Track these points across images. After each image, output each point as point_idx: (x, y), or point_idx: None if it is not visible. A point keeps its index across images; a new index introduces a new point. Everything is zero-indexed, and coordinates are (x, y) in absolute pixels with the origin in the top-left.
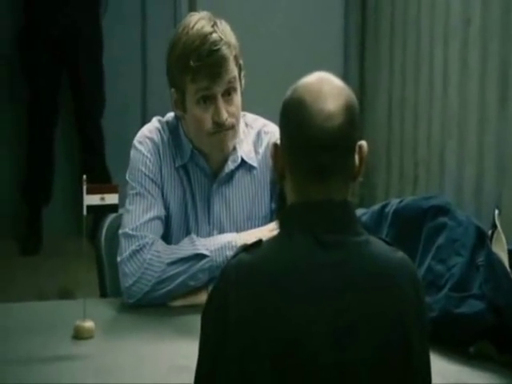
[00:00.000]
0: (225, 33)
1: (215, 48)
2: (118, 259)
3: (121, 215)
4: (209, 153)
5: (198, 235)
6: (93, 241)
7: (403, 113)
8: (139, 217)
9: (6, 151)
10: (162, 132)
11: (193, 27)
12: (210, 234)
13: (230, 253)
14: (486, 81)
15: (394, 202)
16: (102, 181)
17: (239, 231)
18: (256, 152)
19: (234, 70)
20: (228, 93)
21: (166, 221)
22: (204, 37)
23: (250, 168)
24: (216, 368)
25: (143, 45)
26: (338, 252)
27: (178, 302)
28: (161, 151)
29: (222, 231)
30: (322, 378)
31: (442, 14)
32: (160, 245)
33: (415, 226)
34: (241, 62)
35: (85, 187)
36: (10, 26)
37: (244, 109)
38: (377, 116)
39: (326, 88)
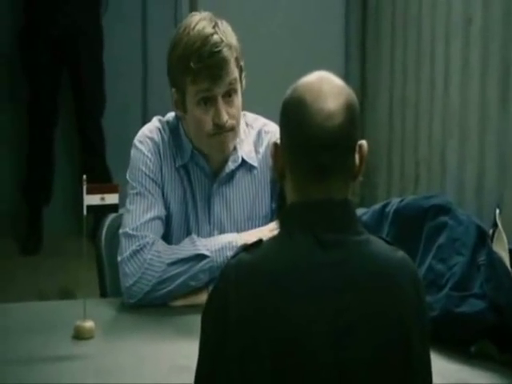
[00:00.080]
0: (226, 34)
1: (216, 50)
2: (119, 259)
3: (121, 215)
4: (209, 154)
5: (198, 235)
6: (93, 240)
7: (404, 112)
8: (140, 216)
9: (6, 151)
10: (162, 132)
11: (194, 28)
12: (210, 234)
13: (230, 253)
14: (487, 80)
15: (395, 202)
16: (103, 180)
17: (240, 231)
18: (256, 152)
19: (234, 72)
20: (228, 94)
21: (167, 221)
22: (205, 38)
23: (251, 168)
24: (216, 368)
25: (144, 44)
26: (339, 251)
27: (179, 302)
28: (161, 151)
29: (222, 231)
30: (322, 377)
31: (443, 13)
32: (160, 245)
33: (416, 225)
34: (241, 63)
35: (85, 187)
36: (10, 26)
37: (244, 108)
38: (378, 115)
39: (326, 87)
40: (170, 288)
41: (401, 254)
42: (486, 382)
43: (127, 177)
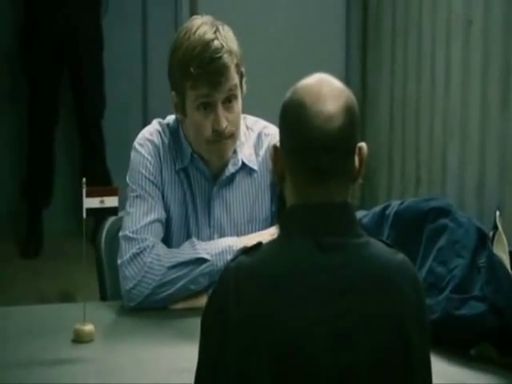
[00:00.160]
0: (227, 39)
1: (216, 56)
2: (119, 262)
3: (121, 218)
4: (208, 159)
5: (198, 238)
6: (93, 243)
7: (405, 114)
8: (140, 219)
9: (6, 152)
10: (162, 134)
11: (195, 32)
12: (210, 238)
13: (230, 257)
14: (488, 82)
15: (395, 204)
16: (103, 182)
17: (240, 234)
18: (256, 154)
19: (234, 78)
20: (228, 100)
21: (167, 223)
22: (206, 44)
23: (251, 171)
24: (216, 370)
25: (144, 46)
26: (338, 254)
27: (179, 305)
28: (161, 154)
29: (222, 234)
30: (322, 379)
31: (443, 15)
32: (161, 248)
33: (416, 227)
34: (242, 69)
35: (84, 190)
36: (10, 26)
37: (244, 111)
38: (378, 117)
39: (326, 89)
40: (170, 291)
41: (401, 256)
42: None
43: (127, 179)
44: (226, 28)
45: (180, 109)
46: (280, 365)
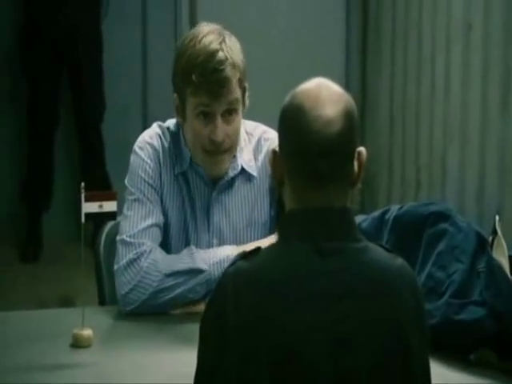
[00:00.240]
0: (232, 52)
1: (220, 68)
2: (115, 267)
3: (119, 222)
4: (202, 166)
5: (197, 243)
6: (93, 248)
7: (405, 117)
8: (137, 223)
9: (6, 152)
10: (162, 138)
11: (200, 40)
12: (209, 242)
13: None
14: (488, 85)
15: (394, 209)
16: (102, 185)
17: (239, 239)
18: (256, 159)
19: (236, 92)
20: (228, 113)
21: (165, 228)
22: (210, 54)
23: (250, 176)
24: (215, 376)
25: (144, 48)
26: (337, 259)
27: (177, 310)
28: (161, 157)
29: (221, 239)
30: None
31: (443, 18)
32: (158, 253)
33: (415, 232)
34: (245, 84)
35: (83, 195)
36: (10, 26)
37: (244, 115)
38: (378, 120)
39: (325, 94)
40: (166, 298)
41: (400, 261)
42: None
43: (126, 182)
44: (233, 39)
45: (180, 112)
46: (279, 370)
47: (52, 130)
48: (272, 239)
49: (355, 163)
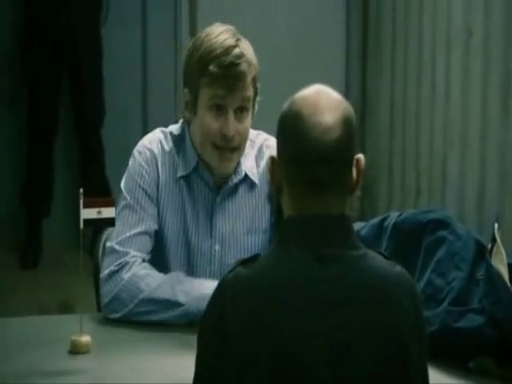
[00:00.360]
0: (247, 51)
1: (237, 61)
2: (100, 275)
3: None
4: (210, 163)
5: (198, 248)
6: (92, 254)
7: (405, 121)
8: (126, 230)
9: (6, 152)
10: (163, 142)
11: (217, 36)
12: (211, 248)
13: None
14: (488, 90)
15: (394, 216)
16: (102, 190)
17: (240, 246)
18: (258, 166)
19: (250, 90)
20: (240, 110)
21: (162, 233)
22: (227, 48)
23: (252, 183)
24: (214, 380)
25: (144, 50)
26: (336, 266)
27: None
28: (159, 162)
29: (223, 245)
30: None
31: (443, 22)
32: (141, 268)
33: (415, 239)
34: (258, 85)
35: (81, 201)
36: (11, 26)
37: None
38: (378, 125)
39: (324, 101)
40: (142, 319)
41: (398, 268)
42: None
43: (121, 185)
44: (248, 43)
45: (191, 106)
46: (278, 377)
47: (52, 132)
48: None
49: (354, 170)
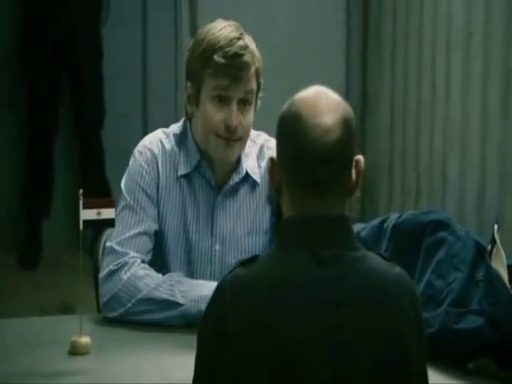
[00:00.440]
0: (251, 44)
1: (241, 52)
2: (99, 275)
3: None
4: (212, 155)
5: (198, 247)
6: (91, 255)
7: (405, 122)
8: (126, 230)
9: (6, 152)
10: (164, 142)
11: (220, 30)
12: (211, 247)
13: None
14: (488, 91)
15: (393, 217)
16: (102, 191)
17: (240, 246)
18: (259, 166)
19: (253, 83)
20: (243, 103)
21: (162, 232)
22: (231, 39)
23: (254, 183)
24: (213, 380)
25: (144, 50)
26: (335, 267)
27: None
28: (159, 162)
29: (224, 244)
30: None
31: (444, 22)
32: (141, 269)
33: (414, 240)
34: (261, 80)
35: (81, 201)
36: (11, 26)
37: None
38: (379, 125)
39: (323, 102)
40: (140, 319)
41: (398, 269)
42: None
43: (121, 185)
44: (251, 38)
45: (193, 99)
46: (278, 377)
47: (52, 132)
48: None
49: (353, 171)
